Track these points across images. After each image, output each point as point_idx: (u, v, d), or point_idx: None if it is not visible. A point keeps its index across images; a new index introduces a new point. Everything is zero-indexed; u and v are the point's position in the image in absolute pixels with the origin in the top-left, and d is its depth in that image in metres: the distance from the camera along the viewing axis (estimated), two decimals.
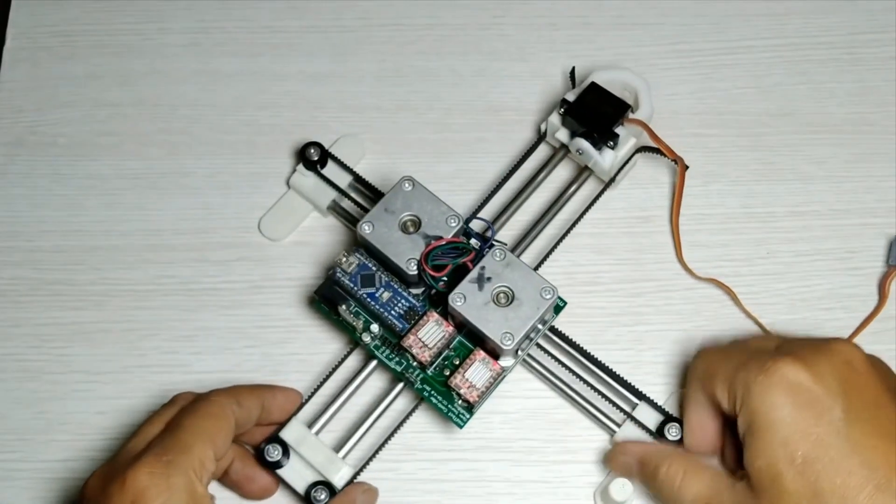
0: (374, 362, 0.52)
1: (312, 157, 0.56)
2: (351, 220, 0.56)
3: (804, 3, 0.62)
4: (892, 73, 0.60)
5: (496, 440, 0.52)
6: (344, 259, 0.51)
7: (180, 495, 0.43)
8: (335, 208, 0.56)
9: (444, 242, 0.50)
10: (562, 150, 0.56)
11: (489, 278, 0.49)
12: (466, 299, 0.49)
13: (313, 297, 0.52)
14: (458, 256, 0.50)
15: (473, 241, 0.52)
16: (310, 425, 0.51)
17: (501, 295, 0.49)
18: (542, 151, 0.57)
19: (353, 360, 0.53)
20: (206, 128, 0.59)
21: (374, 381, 0.53)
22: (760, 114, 0.59)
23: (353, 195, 0.56)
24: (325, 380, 0.52)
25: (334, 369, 0.52)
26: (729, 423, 0.47)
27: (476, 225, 0.55)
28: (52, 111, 0.60)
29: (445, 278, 0.51)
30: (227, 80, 0.61)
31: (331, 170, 0.56)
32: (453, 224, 0.51)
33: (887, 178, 0.57)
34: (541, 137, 0.57)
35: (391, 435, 0.51)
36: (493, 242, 0.51)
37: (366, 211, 0.55)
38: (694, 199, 0.57)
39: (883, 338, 0.53)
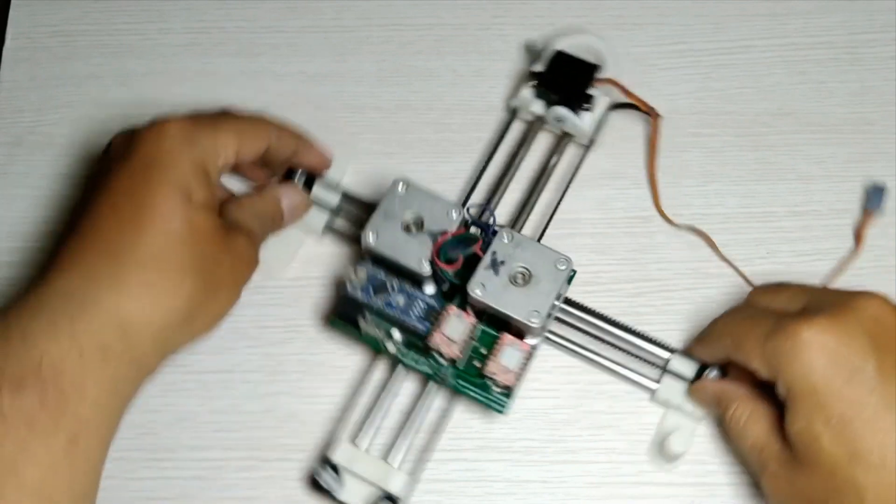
0: (402, 368, 0.52)
1: (298, 181, 0.55)
2: (348, 235, 0.55)
3: (804, 3, 0.62)
4: (892, 73, 0.60)
5: (496, 440, 0.52)
6: (352, 273, 0.50)
7: (195, 150, 0.47)
8: (330, 227, 0.56)
9: (450, 236, 0.50)
10: (537, 123, 0.57)
11: (503, 262, 0.49)
12: (486, 287, 0.49)
13: (331, 318, 0.51)
14: (467, 247, 0.50)
15: (473, 229, 0.52)
16: (354, 442, 0.50)
17: (518, 275, 0.49)
18: (515, 129, 0.58)
19: (380, 371, 0.53)
20: None
21: (405, 385, 0.53)
22: (760, 114, 0.59)
23: (347, 209, 0.55)
24: (353, 395, 0.52)
25: (361, 384, 0.52)
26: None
27: (474, 212, 0.54)
28: (52, 111, 0.60)
29: (460, 270, 0.50)
30: (227, 80, 0.61)
31: (319, 190, 0.55)
32: (455, 216, 0.50)
33: (887, 178, 0.57)
34: (512, 115, 0.57)
35: (436, 435, 0.51)
36: (495, 230, 0.51)
37: (362, 222, 0.55)
38: (693, 198, 0.57)
39: None
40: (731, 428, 0.48)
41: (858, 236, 0.55)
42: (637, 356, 0.52)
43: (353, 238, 0.55)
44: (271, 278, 0.55)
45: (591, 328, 0.53)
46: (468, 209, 0.54)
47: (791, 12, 0.62)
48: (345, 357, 0.54)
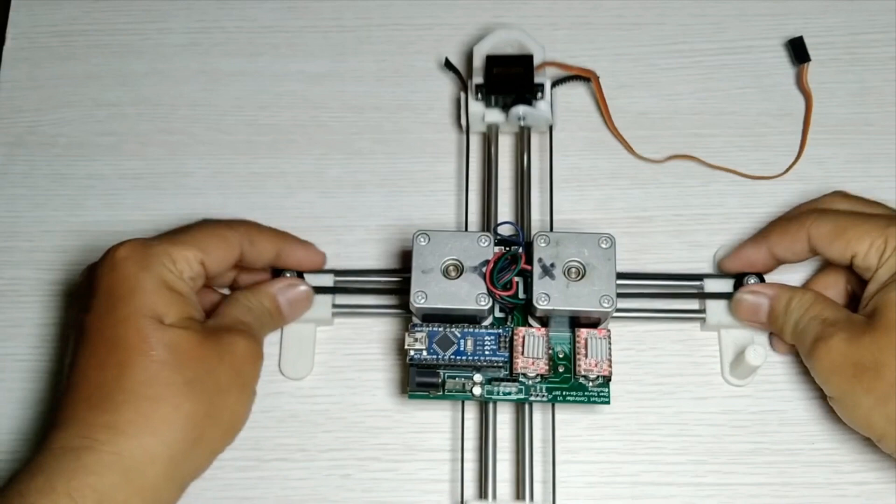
0: (492, 406, 0.51)
1: (291, 275, 0.53)
2: (353, 309, 0.54)
3: (804, 3, 0.62)
4: (892, 73, 0.60)
5: (496, 440, 0.52)
6: (411, 340, 0.49)
7: (153, 270, 0.46)
8: (338, 310, 0.54)
9: (493, 264, 0.49)
10: (493, 130, 0.57)
11: (552, 264, 0.49)
12: (549, 295, 0.49)
13: (410, 392, 0.50)
14: (514, 265, 0.50)
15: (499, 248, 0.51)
16: (481, 498, 0.50)
17: (573, 271, 0.49)
18: (475, 142, 0.58)
19: (471, 416, 0.52)
20: (205, 128, 0.59)
21: (500, 417, 0.52)
22: (760, 114, 0.59)
23: (345, 284, 0.54)
24: (458, 451, 0.51)
25: (462, 437, 0.51)
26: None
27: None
28: (52, 111, 0.60)
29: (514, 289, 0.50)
30: (227, 80, 0.61)
31: (310, 279, 0.53)
32: (486, 243, 0.50)
33: (887, 179, 0.57)
34: (467, 132, 0.57)
35: (553, 453, 0.50)
36: (529, 240, 0.51)
37: (367, 289, 0.54)
38: (694, 198, 0.57)
39: None
40: (795, 312, 0.50)
41: (805, 90, 0.58)
42: (671, 295, 0.54)
43: (369, 307, 0.54)
44: (295, 380, 0.54)
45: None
46: (494, 230, 0.53)
47: (791, 12, 0.62)
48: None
